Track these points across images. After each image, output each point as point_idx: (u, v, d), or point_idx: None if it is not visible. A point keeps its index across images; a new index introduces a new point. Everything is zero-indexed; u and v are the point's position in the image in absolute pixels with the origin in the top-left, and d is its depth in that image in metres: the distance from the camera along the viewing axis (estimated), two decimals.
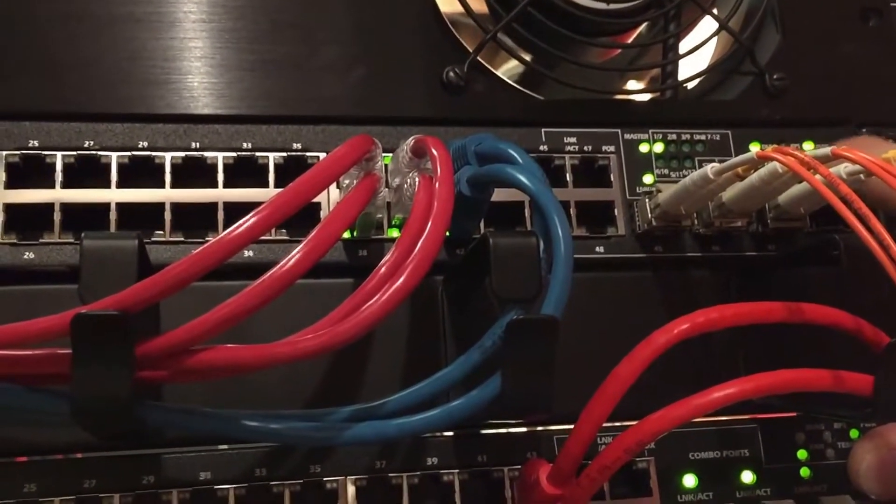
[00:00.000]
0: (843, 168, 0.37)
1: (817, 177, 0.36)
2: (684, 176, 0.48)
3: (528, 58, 0.49)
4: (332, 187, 0.45)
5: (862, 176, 0.37)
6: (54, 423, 0.36)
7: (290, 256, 0.35)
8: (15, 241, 0.42)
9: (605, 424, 0.38)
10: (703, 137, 0.50)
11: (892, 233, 0.33)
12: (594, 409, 0.38)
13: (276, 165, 0.45)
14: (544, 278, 0.38)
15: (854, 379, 0.37)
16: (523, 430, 0.45)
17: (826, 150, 0.36)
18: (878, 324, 0.39)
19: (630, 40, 0.54)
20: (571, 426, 0.44)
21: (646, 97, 0.51)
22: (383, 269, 0.36)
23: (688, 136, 0.50)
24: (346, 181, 0.41)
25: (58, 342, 0.33)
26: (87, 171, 0.43)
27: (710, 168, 0.41)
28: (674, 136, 0.49)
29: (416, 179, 0.41)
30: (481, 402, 0.37)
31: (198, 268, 0.33)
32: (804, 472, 0.47)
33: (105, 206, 0.43)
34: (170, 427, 0.36)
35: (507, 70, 0.49)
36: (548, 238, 0.38)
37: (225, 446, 0.42)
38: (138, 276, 0.34)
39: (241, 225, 0.34)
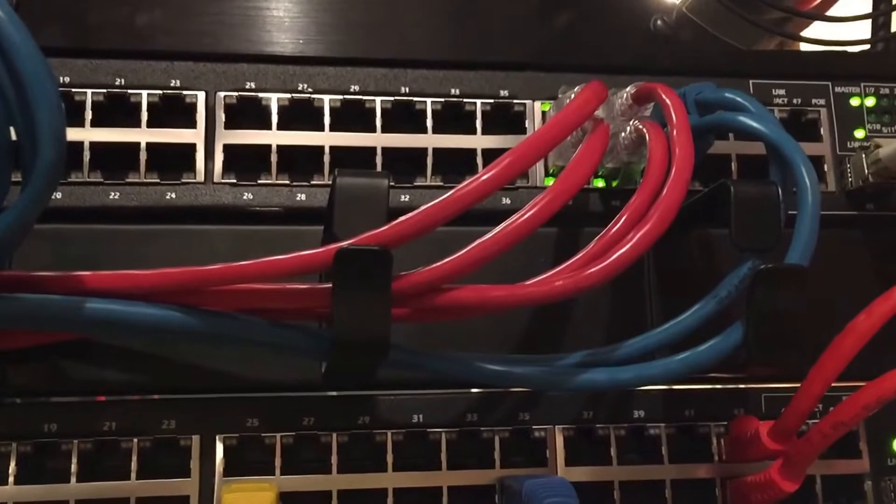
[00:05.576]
0: None
1: None
2: None
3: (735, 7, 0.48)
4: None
5: None
6: (301, 359, 0.36)
7: (532, 204, 0.34)
8: (234, 180, 0.42)
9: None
10: None
11: None
12: (827, 365, 0.37)
13: (482, 112, 0.45)
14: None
15: None
16: (730, 386, 0.44)
17: None
18: None
19: None
20: (779, 385, 0.44)
21: (856, 49, 0.49)
22: (626, 215, 0.36)
23: None
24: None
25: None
26: (300, 114, 0.43)
27: None
28: (886, 91, 0.47)
29: (638, 127, 0.40)
30: (723, 351, 0.36)
31: (452, 209, 0.33)
32: None
33: (319, 150, 0.43)
34: (410, 368, 0.36)
35: (713, 21, 0.48)
36: (788, 187, 0.37)
37: (437, 390, 0.42)
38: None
39: (495, 166, 0.34)
